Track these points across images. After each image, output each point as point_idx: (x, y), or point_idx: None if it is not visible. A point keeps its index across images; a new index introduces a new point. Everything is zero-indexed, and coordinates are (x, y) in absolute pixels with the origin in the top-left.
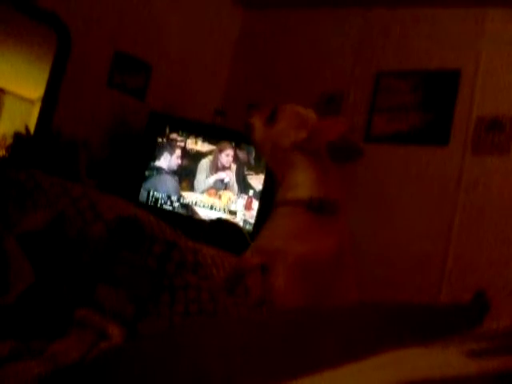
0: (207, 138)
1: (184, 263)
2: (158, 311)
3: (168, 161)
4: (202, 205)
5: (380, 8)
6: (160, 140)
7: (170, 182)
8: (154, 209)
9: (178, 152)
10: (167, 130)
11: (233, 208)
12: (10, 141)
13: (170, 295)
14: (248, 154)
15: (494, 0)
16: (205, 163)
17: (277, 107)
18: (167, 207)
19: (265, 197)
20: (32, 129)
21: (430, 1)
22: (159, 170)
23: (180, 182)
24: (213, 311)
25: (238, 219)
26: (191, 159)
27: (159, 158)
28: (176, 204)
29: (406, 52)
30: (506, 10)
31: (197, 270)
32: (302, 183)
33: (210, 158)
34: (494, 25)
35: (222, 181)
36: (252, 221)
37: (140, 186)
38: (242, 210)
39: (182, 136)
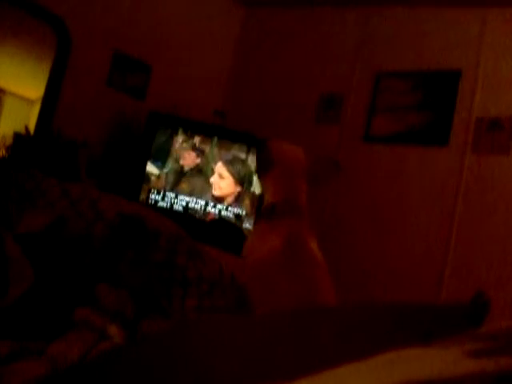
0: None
1: (193, 253)
2: (170, 306)
3: (168, 159)
4: (203, 203)
5: (380, 8)
6: (159, 139)
7: (172, 181)
8: (154, 207)
9: (178, 151)
10: (167, 130)
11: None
12: (10, 141)
13: (182, 289)
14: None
15: (494, 0)
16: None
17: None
18: (165, 205)
19: None
20: (32, 129)
21: (430, 1)
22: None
23: (180, 180)
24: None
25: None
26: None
27: (159, 157)
28: (176, 202)
29: (406, 52)
30: (506, 10)
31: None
32: (264, 198)
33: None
34: (494, 25)
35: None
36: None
37: (140, 185)
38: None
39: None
